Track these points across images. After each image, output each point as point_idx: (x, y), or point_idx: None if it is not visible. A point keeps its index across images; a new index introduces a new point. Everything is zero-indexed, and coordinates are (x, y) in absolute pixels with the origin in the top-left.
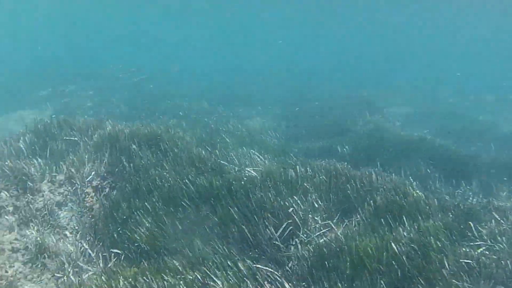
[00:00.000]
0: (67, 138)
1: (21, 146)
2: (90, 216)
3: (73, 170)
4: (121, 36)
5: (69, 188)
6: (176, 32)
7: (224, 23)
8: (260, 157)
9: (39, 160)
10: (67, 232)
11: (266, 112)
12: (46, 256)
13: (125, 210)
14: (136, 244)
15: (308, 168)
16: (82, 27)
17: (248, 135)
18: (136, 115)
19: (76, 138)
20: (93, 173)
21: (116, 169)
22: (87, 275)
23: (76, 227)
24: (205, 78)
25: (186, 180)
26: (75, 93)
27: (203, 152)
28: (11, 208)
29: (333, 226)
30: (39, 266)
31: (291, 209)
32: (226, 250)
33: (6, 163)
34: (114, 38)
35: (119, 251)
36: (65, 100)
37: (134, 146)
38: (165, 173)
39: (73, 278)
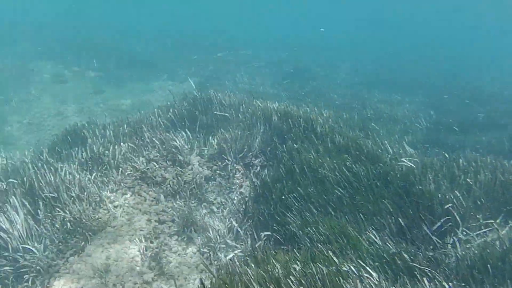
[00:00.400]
0: (218, 113)
1: (171, 118)
2: (239, 193)
3: (224, 145)
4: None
5: (219, 163)
6: None
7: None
8: (410, 147)
9: (188, 133)
10: (214, 207)
11: (412, 99)
12: (193, 229)
13: (277, 191)
14: (286, 227)
15: (473, 163)
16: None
17: (396, 122)
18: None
19: (227, 114)
20: (245, 150)
21: (269, 149)
22: (234, 253)
23: (224, 203)
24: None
25: (343, 167)
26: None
27: (359, 139)
28: (159, 179)
29: (497, 227)
30: (185, 239)
31: (450, 205)
32: (381, 243)
33: (156, 134)
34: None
35: (269, 233)
36: (209, 74)
37: (285, 127)
38: (319, 159)
39: (220, 255)
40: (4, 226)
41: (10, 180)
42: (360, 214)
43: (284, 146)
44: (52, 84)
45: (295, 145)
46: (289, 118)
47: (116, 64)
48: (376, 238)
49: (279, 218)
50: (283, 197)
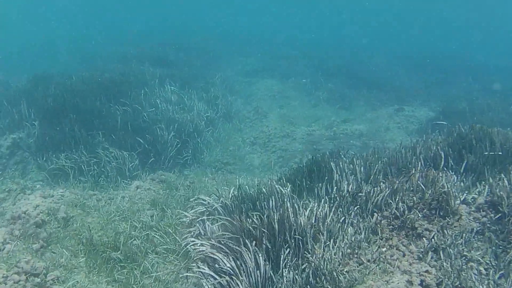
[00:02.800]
0: (488, 153)
1: (431, 155)
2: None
3: (501, 193)
4: None
5: (491, 214)
6: None
7: None
8: None
9: (453, 176)
10: (481, 268)
11: None
12: None
13: None
14: None
15: None
16: None
17: None
18: None
19: (500, 153)
20: None
21: None
22: None
23: (494, 264)
24: None
25: None
26: None
27: None
28: (422, 231)
29: None
30: None
31: None
32: None
33: (419, 176)
34: None
35: None
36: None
37: None
38: None
39: None
40: (231, 271)
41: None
42: None
43: None
44: (277, 103)
45: None
46: None
47: (341, 83)
48: None
49: None
50: None
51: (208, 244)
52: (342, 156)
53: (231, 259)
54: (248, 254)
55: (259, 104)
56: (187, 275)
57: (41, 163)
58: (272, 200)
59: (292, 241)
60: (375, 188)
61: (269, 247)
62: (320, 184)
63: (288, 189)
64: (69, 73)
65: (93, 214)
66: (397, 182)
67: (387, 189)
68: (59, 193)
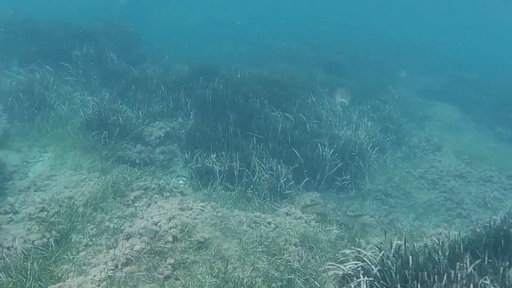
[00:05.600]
0: None
1: None
2: None
3: None
4: None
5: None
6: None
7: None
8: None
9: None
10: None
11: None
12: None
13: None
14: None
15: None
16: None
17: None
18: None
19: None
20: None
21: None
22: None
23: None
24: None
25: None
26: None
27: None
28: None
29: None
30: None
31: None
32: None
33: None
34: None
35: None
36: None
37: None
38: None
39: None
40: None
41: None
42: None
43: None
44: (453, 134)
45: None
46: None
47: None
48: None
49: None
50: None
51: None
52: None
53: None
54: None
55: (433, 133)
56: None
57: (188, 158)
58: (446, 275)
59: None
60: None
61: None
62: (507, 263)
63: (467, 262)
64: (235, 68)
65: (232, 240)
66: None
67: None
68: (199, 207)
